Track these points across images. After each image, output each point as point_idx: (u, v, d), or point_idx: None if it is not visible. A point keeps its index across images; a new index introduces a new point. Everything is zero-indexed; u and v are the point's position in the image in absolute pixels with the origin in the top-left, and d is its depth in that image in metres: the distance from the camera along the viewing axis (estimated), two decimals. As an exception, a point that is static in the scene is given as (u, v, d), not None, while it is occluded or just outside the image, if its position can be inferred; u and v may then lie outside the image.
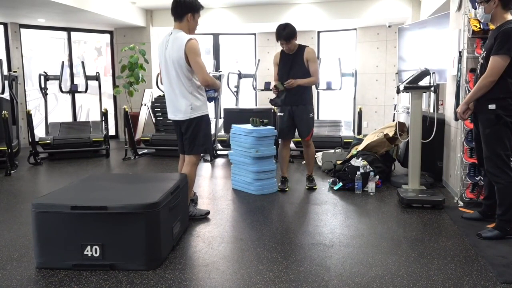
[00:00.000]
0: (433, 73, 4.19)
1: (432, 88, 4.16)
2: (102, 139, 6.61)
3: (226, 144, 6.38)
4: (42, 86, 6.95)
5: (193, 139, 3.45)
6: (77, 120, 8.26)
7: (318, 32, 8.62)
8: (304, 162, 5.27)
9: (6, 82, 6.17)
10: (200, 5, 3.40)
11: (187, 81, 3.32)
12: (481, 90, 2.99)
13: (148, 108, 7.26)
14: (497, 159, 2.97)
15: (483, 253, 2.79)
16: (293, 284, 2.39)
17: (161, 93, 7.26)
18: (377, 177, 4.48)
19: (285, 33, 4.11)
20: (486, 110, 3.00)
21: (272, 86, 4.30)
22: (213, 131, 6.72)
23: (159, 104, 6.88)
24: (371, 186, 4.34)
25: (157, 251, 2.64)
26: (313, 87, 4.86)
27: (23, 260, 2.76)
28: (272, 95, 4.37)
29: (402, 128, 4.79)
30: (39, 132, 7.31)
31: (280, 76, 4.32)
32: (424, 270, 2.58)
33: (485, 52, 3.06)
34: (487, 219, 3.34)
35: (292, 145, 5.44)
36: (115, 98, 8.62)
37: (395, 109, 6.04)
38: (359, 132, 6.12)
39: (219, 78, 7.30)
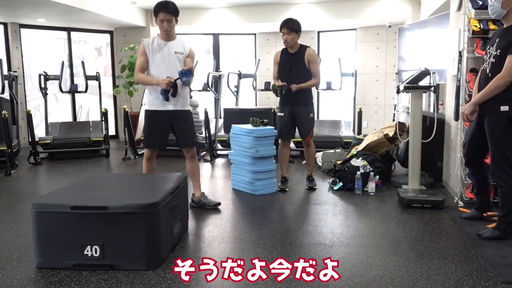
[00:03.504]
0: (433, 73, 4.19)
1: (432, 88, 4.17)
2: (102, 139, 6.61)
3: (226, 144, 6.38)
4: (42, 86, 6.94)
5: None
6: (77, 120, 8.26)
7: (318, 32, 8.62)
8: (304, 162, 5.27)
9: (6, 82, 6.17)
10: (157, 9, 3.45)
11: None
12: (496, 90, 2.88)
13: (148, 108, 7.25)
14: (504, 162, 2.92)
15: (483, 253, 2.78)
16: (293, 284, 2.39)
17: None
18: (377, 177, 4.48)
19: (290, 24, 4.17)
20: (498, 112, 2.90)
21: (271, 85, 4.33)
22: (213, 131, 6.73)
23: (159, 104, 6.86)
24: (371, 186, 4.34)
25: (157, 251, 2.64)
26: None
27: (23, 260, 2.76)
28: (272, 94, 4.38)
29: (402, 128, 4.79)
30: (39, 132, 7.30)
31: (280, 75, 4.33)
32: (424, 270, 2.58)
33: (499, 51, 2.91)
34: (484, 214, 3.37)
35: (292, 145, 5.44)
36: (115, 98, 8.62)
37: (395, 109, 6.04)
38: (359, 132, 6.12)
39: (219, 78, 7.31)
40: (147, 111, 3.62)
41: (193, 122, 3.79)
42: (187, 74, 3.38)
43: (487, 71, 3.02)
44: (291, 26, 4.16)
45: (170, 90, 3.43)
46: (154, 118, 3.59)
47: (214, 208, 3.82)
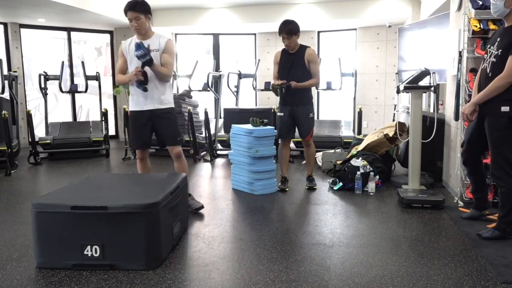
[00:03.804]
0: (433, 73, 4.19)
1: (432, 88, 4.16)
2: (102, 139, 6.62)
3: (226, 144, 6.38)
4: (42, 86, 6.94)
5: None
6: (77, 120, 8.26)
7: (318, 32, 8.62)
8: (304, 162, 5.27)
9: (6, 82, 6.17)
10: (125, 9, 3.45)
11: None
12: (497, 90, 2.86)
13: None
14: (504, 162, 2.91)
15: (483, 253, 2.78)
16: (293, 284, 2.39)
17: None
18: (377, 177, 4.48)
19: (288, 27, 4.15)
20: (498, 113, 2.88)
21: (271, 85, 4.34)
22: (213, 131, 6.73)
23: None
24: (371, 186, 4.34)
25: (157, 251, 2.64)
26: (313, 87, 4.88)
27: (23, 260, 2.76)
28: (272, 94, 4.38)
29: (402, 128, 4.79)
30: (39, 132, 7.31)
31: (280, 75, 4.33)
32: (424, 270, 2.58)
33: (500, 51, 2.89)
34: (482, 212, 3.38)
35: (292, 145, 5.44)
36: (115, 98, 8.62)
37: (395, 109, 6.04)
38: (359, 132, 6.12)
39: (219, 78, 7.31)
40: (130, 112, 3.67)
41: (176, 120, 3.69)
42: (137, 49, 3.28)
43: (488, 70, 3.00)
44: (290, 29, 4.13)
45: (143, 80, 3.38)
46: (135, 118, 3.61)
47: (195, 212, 3.71)
